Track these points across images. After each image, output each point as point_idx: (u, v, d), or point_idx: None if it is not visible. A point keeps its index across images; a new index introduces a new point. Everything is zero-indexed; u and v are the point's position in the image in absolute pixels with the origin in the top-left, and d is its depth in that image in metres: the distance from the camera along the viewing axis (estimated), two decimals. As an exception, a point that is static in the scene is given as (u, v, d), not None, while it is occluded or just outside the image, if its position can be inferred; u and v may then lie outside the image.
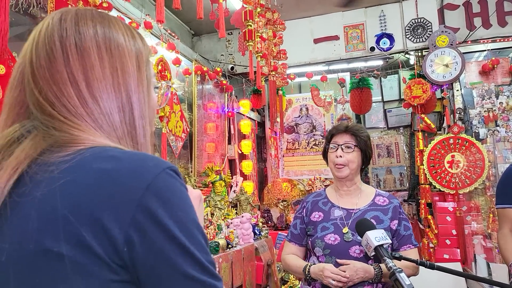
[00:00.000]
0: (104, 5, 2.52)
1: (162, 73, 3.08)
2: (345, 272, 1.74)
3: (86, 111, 0.66)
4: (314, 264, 1.86)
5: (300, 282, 2.03)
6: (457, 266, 3.23)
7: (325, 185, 4.80)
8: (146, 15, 3.12)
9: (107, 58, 0.69)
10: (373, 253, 1.59)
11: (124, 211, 0.57)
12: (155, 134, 3.58)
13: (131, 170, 0.60)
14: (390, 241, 1.64)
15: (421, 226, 4.39)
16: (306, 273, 1.84)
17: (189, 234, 0.61)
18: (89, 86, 0.67)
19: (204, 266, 0.61)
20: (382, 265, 1.78)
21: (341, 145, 1.95)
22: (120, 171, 0.60)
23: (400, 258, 1.54)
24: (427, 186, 3.88)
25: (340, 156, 1.93)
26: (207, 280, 0.61)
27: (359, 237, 1.81)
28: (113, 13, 2.74)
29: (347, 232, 1.85)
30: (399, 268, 1.47)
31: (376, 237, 1.59)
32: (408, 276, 1.50)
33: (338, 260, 1.80)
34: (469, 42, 4.02)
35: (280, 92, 4.57)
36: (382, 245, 1.57)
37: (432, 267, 1.48)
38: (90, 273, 0.57)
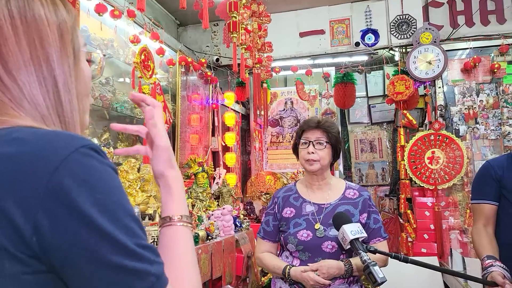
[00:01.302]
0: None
1: (145, 63, 3.05)
2: (317, 270, 1.77)
3: (2, 90, 0.60)
4: (293, 266, 1.87)
5: (273, 276, 2.04)
6: (434, 260, 3.29)
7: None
8: (130, 3, 3.08)
9: (22, 29, 0.62)
10: (349, 246, 1.62)
11: (30, 198, 0.52)
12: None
13: (36, 152, 0.54)
14: (366, 235, 1.67)
15: (401, 220, 4.45)
16: (287, 276, 1.85)
17: (111, 217, 0.55)
18: (3, 61, 0.60)
19: (131, 250, 0.55)
20: (353, 260, 1.83)
21: (313, 141, 1.95)
22: (24, 155, 0.54)
23: (374, 252, 1.57)
24: (407, 181, 3.94)
25: (312, 153, 1.93)
26: (136, 266, 0.55)
27: (331, 233, 1.84)
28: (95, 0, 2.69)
29: (319, 228, 1.87)
30: (373, 261, 1.49)
31: (352, 230, 1.61)
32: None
33: (310, 265, 1.81)
34: (452, 39, 4.07)
35: (265, 85, 4.57)
36: (357, 238, 1.60)
37: (406, 260, 1.50)
38: None
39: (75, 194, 0.53)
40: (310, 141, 1.95)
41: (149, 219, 2.52)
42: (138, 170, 2.66)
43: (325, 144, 1.94)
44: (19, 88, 0.61)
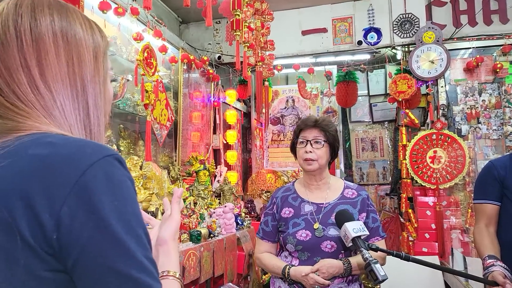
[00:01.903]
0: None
1: (148, 60, 3.05)
2: (318, 270, 1.78)
3: (37, 98, 0.65)
4: (292, 265, 1.87)
5: (272, 276, 2.04)
6: (435, 259, 3.30)
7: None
8: (133, 0, 3.07)
9: (63, 45, 0.68)
10: (351, 244, 1.62)
11: (57, 196, 0.56)
12: (139, 122, 3.57)
13: (67, 156, 0.58)
14: (368, 233, 1.68)
15: (402, 219, 4.46)
16: (286, 276, 1.85)
17: (126, 225, 0.58)
18: (42, 73, 0.65)
19: (140, 262, 0.57)
20: (351, 259, 1.83)
21: (310, 140, 1.94)
22: (55, 157, 0.58)
23: (376, 250, 1.57)
24: (408, 180, 3.94)
25: (310, 152, 1.92)
26: (141, 277, 0.57)
27: (330, 232, 1.85)
28: (98, -3, 2.69)
29: (318, 228, 1.87)
30: (375, 259, 1.50)
31: (354, 228, 1.62)
32: None
33: (310, 268, 1.80)
34: (455, 39, 4.06)
35: (267, 83, 4.57)
36: (359, 236, 1.60)
37: (407, 259, 1.51)
38: (15, 260, 0.55)
39: (97, 198, 0.56)
40: (307, 140, 1.94)
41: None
42: (141, 167, 2.66)
43: (322, 143, 1.93)
44: (52, 97, 0.66)
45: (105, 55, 0.75)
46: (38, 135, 0.62)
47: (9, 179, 0.57)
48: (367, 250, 1.55)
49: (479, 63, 3.93)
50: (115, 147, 2.65)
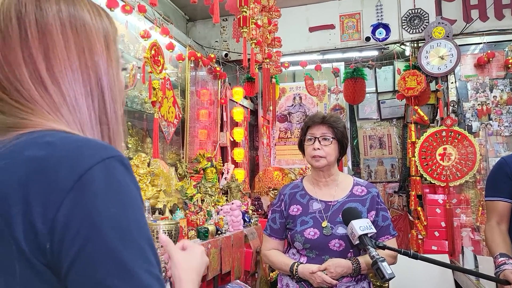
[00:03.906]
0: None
1: (155, 58, 3.04)
2: (326, 269, 1.76)
3: (42, 95, 0.59)
4: (301, 263, 1.85)
5: (279, 273, 2.03)
6: (445, 258, 3.26)
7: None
8: (140, -3, 3.07)
9: (72, 37, 0.62)
10: (357, 242, 1.60)
11: (51, 203, 0.51)
12: (147, 119, 3.57)
13: (63, 158, 0.53)
14: (375, 231, 1.65)
15: (410, 217, 4.42)
16: (294, 273, 1.84)
17: (124, 235, 0.52)
18: (49, 68, 0.60)
19: (137, 278, 0.51)
20: (360, 259, 1.81)
21: (318, 137, 1.91)
22: (51, 159, 0.53)
23: (384, 248, 1.55)
24: (417, 178, 3.90)
25: (318, 149, 1.90)
26: None
27: (338, 231, 1.82)
28: (105, -6, 2.69)
29: (326, 226, 1.84)
30: (381, 257, 1.48)
31: (361, 226, 1.60)
32: (389, 265, 1.51)
33: (318, 266, 1.79)
34: (466, 34, 4.00)
35: (274, 81, 4.54)
36: (366, 234, 1.58)
37: (415, 257, 1.48)
38: (12, 271, 0.51)
39: (92, 205, 0.51)
40: (315, 137, 1.92)
41: (159, 213, 2.52)
42: (148, 164, 2.66)
43: (331, 139, 1.91)
44: (61, 94, 0.60)
45: (115, 42, 0.69)
46: (37, 134, 0.57)
47: (4, 183, 0.53)
48: (374, 248, 1.53)
49: (490, 59, 3.87)
50: (123, 144, 2.64)
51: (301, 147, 2.03)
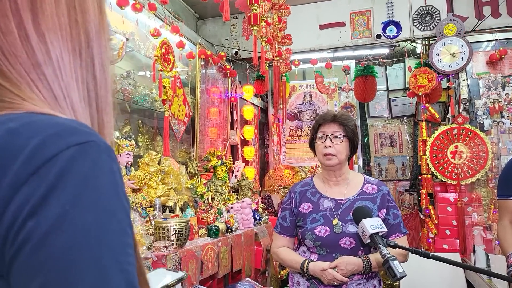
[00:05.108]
0: (107, -15, 2.48)
1: (166, 56, 3.06)
2: (336, 267, 1.77)
3: (26, 49, 0.50)
4: (311, 261, 1.86)
5: (290, 271, 2.03)
6: (456, 257, 3.24)
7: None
8: (150, -4, 3.09)
9: None
10: (369, 241, 1.60)
11: (3, 198, 0.41)
12: (157, 118, 3.59)
13: (22, 148, 0.43)
14: (386, 229, 1.65)
15: (421, 216, 4.39)
16: (305, 270, 1.84)
17: (79, 239, 0.40)
18: (36, 21, 0.51)
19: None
20: (371, 257, 1.81)
21: (329, 135, 1.91)
22: (7, 150, 0.43)
23: (395, 246, 1.55)
24: (429, 176, 3.87)
25: (329, 147, 1.90)
26: None
27: (349, 229, 1.82)
28: (117, -7, 2.70)
29: (336, 224, 1.85)
30: (392, 256, 1.48)
31: (372, 225, 1.60)
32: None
33: (329, 264, 1.80)
34: (477, 31, 3.96)
35: (284, 79, 4.54)
36: (377, 233, 1.58)
37: (427, 256, 1.48)
38: None
39: (42, 201, 0.41)
40: (326, 135, 1.92)
41: (170, 211, 2.54)
42: (159, 163, 2.68)
43: (342, 138, 1.91)
44: (47, 52, 0.51)
45: (105, 8, 0.60)
46: (1, 118, 0.46)
47: None
48: (385, 247, 1.53)
49: (503, 56, 3.82)
50: (133, 142, 2.67)
51: (312, 145, 2.03)
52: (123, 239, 0.44)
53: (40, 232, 0.40)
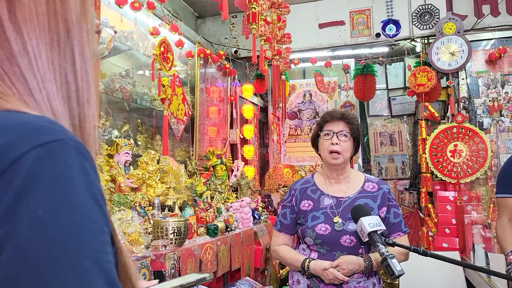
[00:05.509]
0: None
1: (165, 55, 3.06)
2: (338, 266, 1.77)
3: (0, 40, 0.48)
4: (312, 259, 1.85)
5: (290, 269, 2.03)
6: (456, 255, 3.24)
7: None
8: (149, -5, 3.08)
9: None
10: (367, 239, 1.60)
11: None
12: (156, 117, 3.59)
13: None
14: (384, 228, 1.65)
15: (421, 214, 4.39)
16: (305, 269, 1.84)
17: (51, 244, 0.38)
18: (11, 10, 0.48)
19: None
20: (372, 256, 1.81)
21: (336, 133, 1.91)
22: None
23: (393, 245, 1.55)
24: (428, 175, 3.87)
25: (336, 144, 1.89)
26: None
27: (349, 227, 1.82)
28: (115, -8, 2.70)
29: (337, 222, 1.84)
30: (391, 254, 1.48)
31: (370, 223, 1.60)
32: (399, 262, 1.51)
33: (330, 263, 1.79)
34: (477, 30, 3.96)
35: (283, 77, 4.53)
36: (376, 231, 1.58)
37: (425, 254, 1.48)
38: None
39: (12, 207, 0.39)
40: (334, 132, 1.91)
41: (169, 210, 2.54)
42: (158, 161, 2.68)
43: (349, 136, 1.91)
44: (22, 42, 0.48)
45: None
46: None
47: None
48: (384, 245, 1.53)
49: (502, 54, 3.82)
50: (132, 141, 2.66)
51: (314, 142, 2.02)
52: (101, 238, 0.42)
53: (13, 241, 0.38)
